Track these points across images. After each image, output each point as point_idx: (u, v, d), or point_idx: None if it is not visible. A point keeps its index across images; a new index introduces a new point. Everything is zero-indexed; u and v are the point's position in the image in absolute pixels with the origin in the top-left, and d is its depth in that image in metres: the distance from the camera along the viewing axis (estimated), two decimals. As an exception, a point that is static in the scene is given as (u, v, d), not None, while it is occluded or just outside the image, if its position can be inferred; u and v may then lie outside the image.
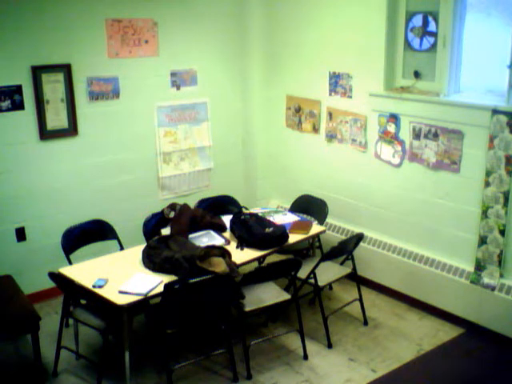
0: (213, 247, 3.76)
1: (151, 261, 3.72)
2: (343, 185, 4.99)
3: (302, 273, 3.99)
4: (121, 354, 3.52)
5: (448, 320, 4.31)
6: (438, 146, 4.22)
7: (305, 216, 4.75)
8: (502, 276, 4.01)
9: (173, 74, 5.10)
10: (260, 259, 4.25)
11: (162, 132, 5.13)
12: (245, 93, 5.56)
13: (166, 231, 4.21)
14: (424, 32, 4.28)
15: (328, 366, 3.86)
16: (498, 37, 3.96)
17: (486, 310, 4.06)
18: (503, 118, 3.78)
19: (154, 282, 3.52)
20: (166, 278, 3.55)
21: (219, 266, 3.56)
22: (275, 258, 4.08)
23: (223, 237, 4.16)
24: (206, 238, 4.12)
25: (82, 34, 4.52)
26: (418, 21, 4.30)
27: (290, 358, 3.95)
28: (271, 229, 4.10)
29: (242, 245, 4.03)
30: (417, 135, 4.34)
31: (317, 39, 4.95)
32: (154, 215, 4.44)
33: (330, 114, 4.98)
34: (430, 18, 4.21)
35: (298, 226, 4.33)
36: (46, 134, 4.50)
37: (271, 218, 4.40)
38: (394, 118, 4.46)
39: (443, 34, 4.15)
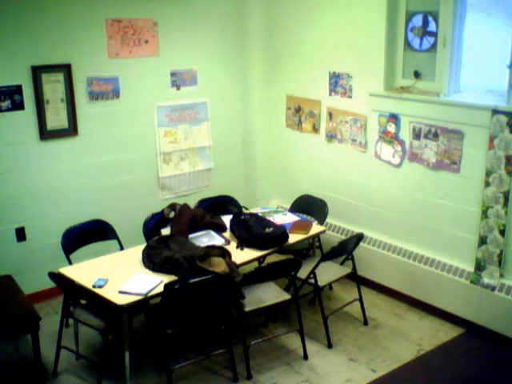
0: (213, 247, 3.76)
1: (151, 261, 3.72)
2: (343, 185, 4.99)
3: (302, 273, 3.99)
4: (121, 354, 3.52)
5: (448, 320, 4.31)
6: (437, 145, 4.22)
7: (305, 216, 4.75)
8: (501, 276, 4.01)
9: (173, 74, 5.10)
10: (260, 259, 4.25)
11: (162, 132, 5.13)
12: (245, 93, 5.57)
13: (166, 231, 4.21)
14: (424, 32, 4.28)
15: (328, 365, 3.86)
16: (498, 37, 3.96)
17: (486, 309, 4.06)
18: (503, 118, 3.78)
19: (153, 282, 3.52)
20: (166, 278, 3.55)
21: (219, 265, 3.56)
22: (275, 258, 4.08)
23: (223, 237, 4.16)
24: (206, 238, 4.12)
25: (81, 34, 4.52)
26: (418, 21, 4.30)
27: (290, 358, 3.95)
28: (271, 229, 4.10)
29: (242, 245, 4.03)
30: (417, 135, 4.34)
31: (317, 39, 4.95)
32: (154, 215, 4.44)
33: (330, 114, 4.98)
34: (430, 18, 4.21)
35: (297, 226, 4.33)
36: (45, 134, 4.50)
37: (271, 218, 4.40)
38: (394, 118, 4.46)
39: (443, 34, 4.15)
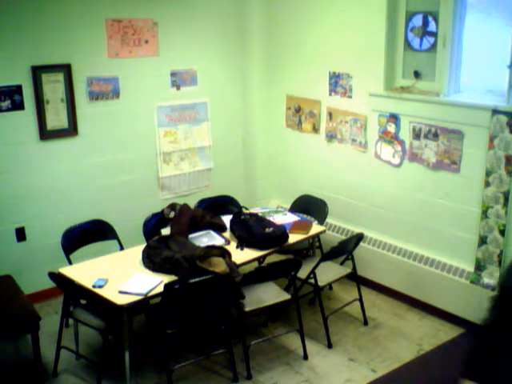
0: (213, 247, 3.76)
1: (151, 261, 3.72)
2: (343, 185, 4.99)
3: (302, 273, 3.99)
4: (121, 354, 3.52)
5: (448, 320, 4.31)
6: (438, 146, 4.22)
7: (305, 216, 4.75)
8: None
9: (173, 74, 5.10)
10: (260, 259, 4.25)
11: (162, 132, 5.13)
12: (245, 93, 5.57)
13: (166, 231, 4.21)
14: (424, 32, 4.28)
15: (328, 366, 3.87)
16: (498, 37, 3.95)
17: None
18: (503, 118, 3.78)
19: (154, 282, 3.52)
20: (166, 278, 3.55)
21: (219, 265, 3.56)
22: (275, 258, 4.08)
23: (223, 237, 4.16)
24: (206, 238, 4.12)
25: (81, 34, 4.52)
26: (418, 21, 4.30)
27: (290, 358, 3.95)
28: (271, 229, 4.10)
29: (242, 245, 4.03)
30: (417, 135, 4.34)
31: (317, 39, 4.95)
32: (154, 215, 4.44)
33: (330, 114, 4.98)
34: (430, 18, 4.21)
35: (297, 226, 4.33)
36: (45, 134, 4.50)
37: (271, 218, 4.40)
38: (394, 118, 4.46)
39: (443, 34, 4.15)
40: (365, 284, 4.76)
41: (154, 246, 3.80)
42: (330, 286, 4.74)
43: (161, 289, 3.43)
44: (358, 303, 4.39)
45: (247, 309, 3.72)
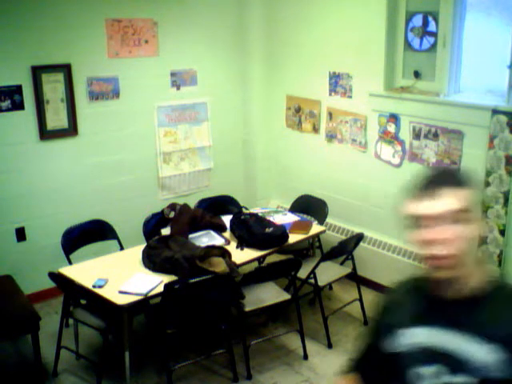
0: (213, 247, 3.76)
1: (151, 261, 3.71)
2: (343, 185, 4.99)
3: (302, 273, 3.99)
4: (121, 354, 3.52)
5: (448, 320, 4.30)
6: (438, 146, 4.22)
7: (305, 216, 4.75)
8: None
9: (173, 74, 5.10)
10: (260, 259, 4.25)
11: (162, 132, 5.13)
12: (245, 93, 5.56)
13: (166, 231, 4.21)
14: (424, 32, 4.27)
15: (328, 366, 3.86)
16: (498, 37, 3.95)
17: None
18: (503, 118, 3.78)
19: (153, 282, 3.51)
20: (166, 278, 3.55)
21: (219, 265, 3.56)
22: (275, 257, 4.08)
23: (223, 237, 4.16)
24: (206, 238, 4.12)
25: (82, 34, 4.52)
26: (418, 21, 4.30)
27: (290, 358, 3.95)
28: (271, 229, 4.10)
29: (242, 245, 4.03)
30: (417, 135, 4.34)
31: (317, 39, 4.95)
32: (154, 215, 4.44)
33: (330, 114, 4.98)
34: (430, 18, 4.21)
35: (297, 226, 4.33)
36: (45, 133, 4.50)
37: (271, 218, 4.40)
38: (394, 118, 4.46)
39: (443, 34, 4.14)
40: (365, 284, 4.75)
41: (154, 246, 3.80)
42: (329, 285, 4.74)
43: (161, 289, 3.43)
44: (358, 303, 4.39)
45: (247, 309, 3.72)
